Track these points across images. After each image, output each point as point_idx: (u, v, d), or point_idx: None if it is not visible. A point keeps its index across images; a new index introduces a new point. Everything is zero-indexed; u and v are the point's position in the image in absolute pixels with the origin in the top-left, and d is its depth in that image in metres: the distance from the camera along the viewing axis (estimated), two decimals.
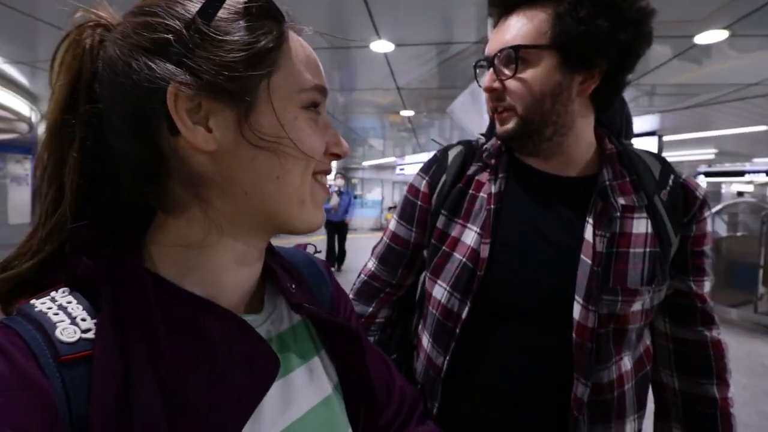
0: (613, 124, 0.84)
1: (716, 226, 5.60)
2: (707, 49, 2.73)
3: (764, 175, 11.12)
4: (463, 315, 0.73)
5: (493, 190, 0.76)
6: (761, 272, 5.15)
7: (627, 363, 0.73)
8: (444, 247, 0.78)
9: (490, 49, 0.72)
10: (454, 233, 0.78)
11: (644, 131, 5.72)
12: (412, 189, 0.86)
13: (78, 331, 0.32)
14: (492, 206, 0.75)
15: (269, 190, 0.38)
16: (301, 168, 0.39)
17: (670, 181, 0.75)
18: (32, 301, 0.33)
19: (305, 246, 0.62)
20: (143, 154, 0.37)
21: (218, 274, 0.40)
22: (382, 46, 2.97)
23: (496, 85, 0.70)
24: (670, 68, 3.18)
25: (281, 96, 0.38)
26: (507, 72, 0.68)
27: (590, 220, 0.71)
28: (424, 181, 0.84)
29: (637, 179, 0.74)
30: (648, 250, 0.71)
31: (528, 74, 0.67)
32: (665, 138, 5.80)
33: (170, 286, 0.37)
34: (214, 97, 0.36)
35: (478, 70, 0.76)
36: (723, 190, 15.19)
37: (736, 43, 2.58)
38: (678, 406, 0.80)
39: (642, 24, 0.66)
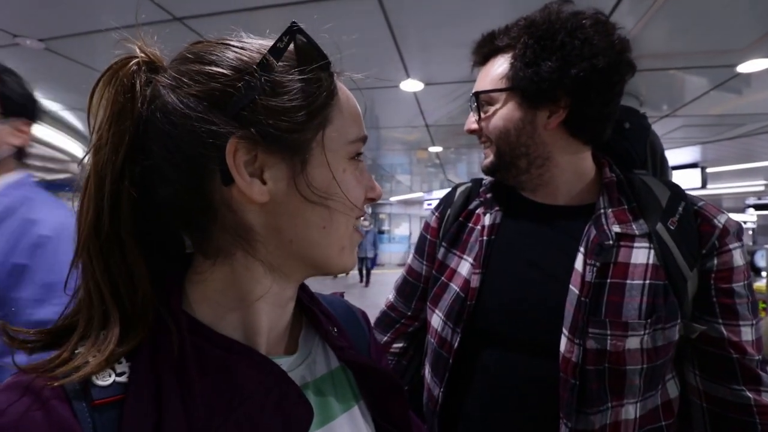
0: (631, 154, 0.81)
1: None
2: (748, 78, 2.64)
3: None
4: (455, 344, 0.72)
5: (486, 223, 0.79)
6: None
7: (630, 412, 0.62)
8: (443, 278, 0.81)
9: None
10: (452, 264, 0.81)
11: (685, 163, 5.50)
12: (425, 224, 0.92)
13: (113, 375, 0.32)
14: (485, 237, 0.77)
15: (314, 238, 0.39)
16: (346, 218, 0.40)
17: (680, 209, 0.68)
18: None
19: (342, 293, 0.61)
20: (193, 203, 0.36)
21: (255, 316, 0.39)
22: (411, 85, 3.03)
23: (474, 126, 0.79)
24: (710, 99, 3.08)
25: (332, 149, 0.38)
26: (480, 114, 0.77)
27: (582, 249, 0.67)
28: (434, 217, 0.90)
29: (638, 207, 0.70)
30: (648, 282, 0.63)
31: (494, 114, 0.75)
32: (709, 170, 5.56)
33: (205, 330, 0.37)
34: (270, 150, 0.35)
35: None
36: None
37: None
38: None
39: (595, 57, 0.65)
